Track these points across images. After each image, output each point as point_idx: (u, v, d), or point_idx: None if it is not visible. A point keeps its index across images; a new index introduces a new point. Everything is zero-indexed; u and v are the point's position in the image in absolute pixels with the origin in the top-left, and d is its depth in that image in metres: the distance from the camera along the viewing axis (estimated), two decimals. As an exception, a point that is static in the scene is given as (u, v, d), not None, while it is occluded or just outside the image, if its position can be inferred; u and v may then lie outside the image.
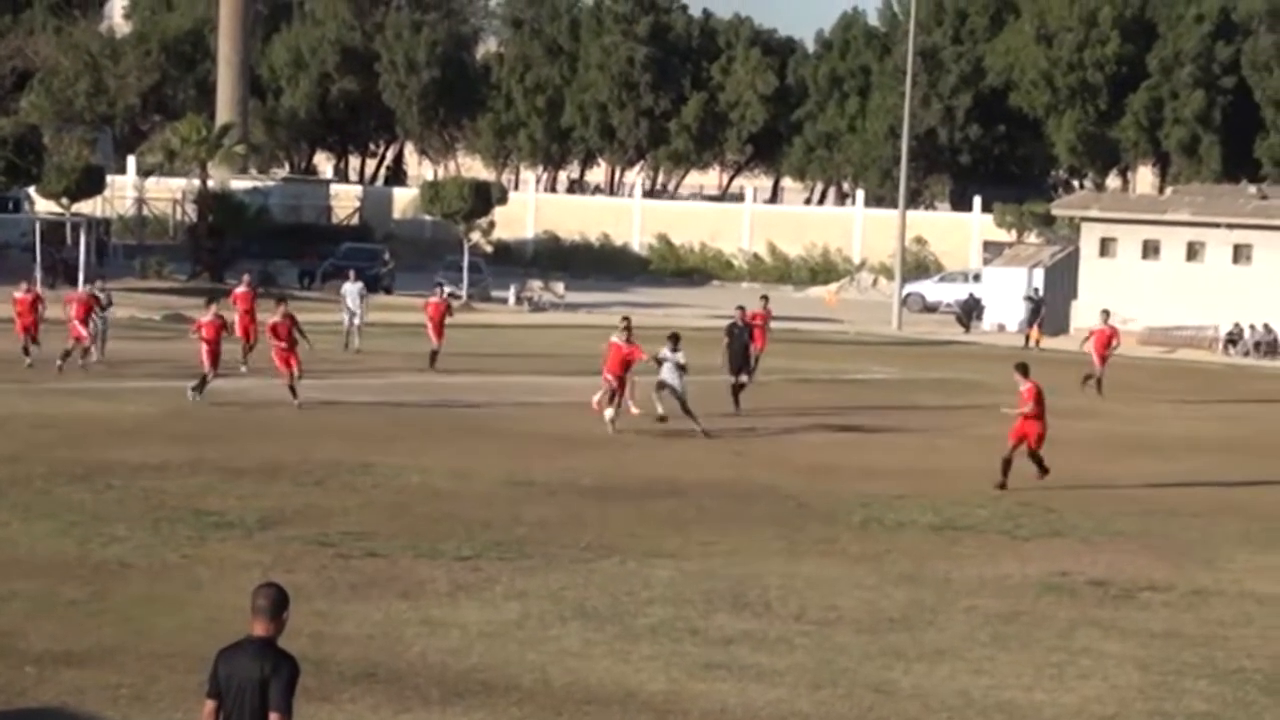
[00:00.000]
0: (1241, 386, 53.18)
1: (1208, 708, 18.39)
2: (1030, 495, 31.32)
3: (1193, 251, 73.80)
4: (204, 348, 38.26)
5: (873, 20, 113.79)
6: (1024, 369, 31.95)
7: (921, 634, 21.04)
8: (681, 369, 36.26)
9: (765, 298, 51.67)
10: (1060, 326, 71.66)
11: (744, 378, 41.24)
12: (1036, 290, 71.09)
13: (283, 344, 38.48)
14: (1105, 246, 75.44)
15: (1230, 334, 69.21)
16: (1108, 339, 50.49)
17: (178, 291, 70.10)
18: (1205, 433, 42.45)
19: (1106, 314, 52.61)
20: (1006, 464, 31.09)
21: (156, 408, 37.88)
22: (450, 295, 54.27)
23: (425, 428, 36.51)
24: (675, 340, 36.78)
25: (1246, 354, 67.78)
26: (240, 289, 47.88)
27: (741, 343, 41.74)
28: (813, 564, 24.65)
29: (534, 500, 27.47)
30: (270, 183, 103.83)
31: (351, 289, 51.81)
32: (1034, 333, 68.47)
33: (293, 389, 38.11)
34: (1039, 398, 31.28)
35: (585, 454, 33.39)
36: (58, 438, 33.05)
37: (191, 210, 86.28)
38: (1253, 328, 69.06)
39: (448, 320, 48.14)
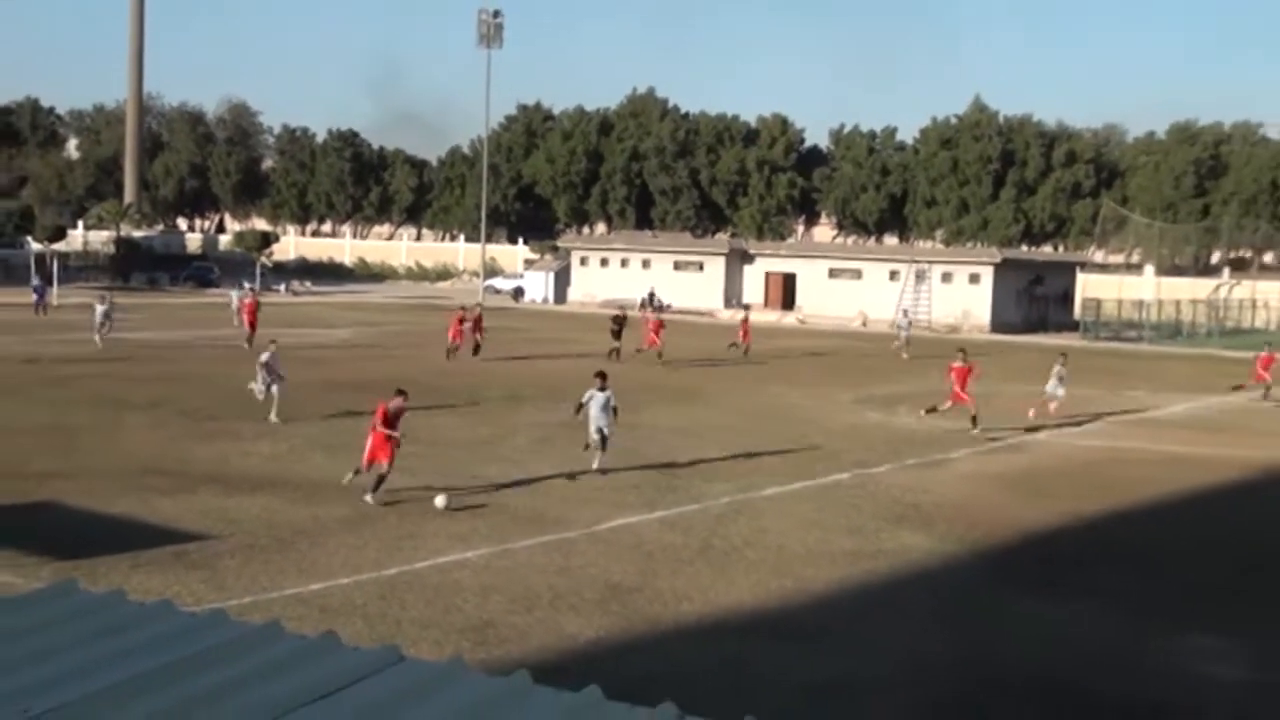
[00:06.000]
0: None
1: (639, 492, 18.80)
2: (546, 383, 31.96)
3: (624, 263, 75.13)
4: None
5: (465, 150, 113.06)
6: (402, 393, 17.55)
7: (498, 449, 21.56)
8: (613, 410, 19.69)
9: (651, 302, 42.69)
10: (561, 302, 72.58)
11: (617, 344, 37.11)
12: (749, 306, 61.19)
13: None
14: (583, 260, 76.48)
15: (645, 299, 70.28)
16: (1268, 362, 33.07)
17: (106, 289, 66.20)
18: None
19: (1269, 344, 35.52)
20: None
21: (95, 350, 35.87)
22: (251, 290, 50.92)
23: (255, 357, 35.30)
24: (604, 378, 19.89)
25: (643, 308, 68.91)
26: (247, 299, 39.28)
27: (619, 326, 38.07)
28: (447, 417, 24.89)
29: (309, 392, 27.16)
30: (153, 233, 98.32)
31: (235, 293, 47.85)
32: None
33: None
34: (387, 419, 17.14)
35: (335, 367, 33.04)
36: (42, 367, 31.32)
37: (112, 247, 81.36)
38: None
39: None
